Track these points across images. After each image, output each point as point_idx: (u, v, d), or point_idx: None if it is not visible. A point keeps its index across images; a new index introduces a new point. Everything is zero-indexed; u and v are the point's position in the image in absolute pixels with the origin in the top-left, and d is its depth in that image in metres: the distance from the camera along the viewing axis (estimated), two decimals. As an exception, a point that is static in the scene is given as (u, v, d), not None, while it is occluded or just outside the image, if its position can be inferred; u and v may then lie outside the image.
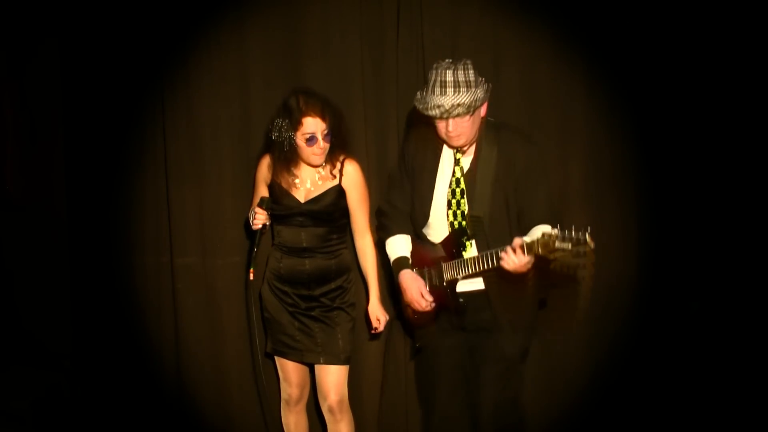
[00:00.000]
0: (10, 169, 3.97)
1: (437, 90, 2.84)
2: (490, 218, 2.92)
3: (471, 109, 2.83)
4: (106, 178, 3.80)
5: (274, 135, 3.20)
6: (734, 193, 3.61)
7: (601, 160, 3.65)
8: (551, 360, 3.65)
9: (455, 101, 2.81)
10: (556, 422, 3.65)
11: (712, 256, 3.65)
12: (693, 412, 3.63)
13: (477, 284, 3.01)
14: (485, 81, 2.91)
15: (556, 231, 2.59)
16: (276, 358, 3.43)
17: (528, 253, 2.69)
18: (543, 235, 2.61)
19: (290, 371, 3.40)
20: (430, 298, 3.05)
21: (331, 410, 3.32)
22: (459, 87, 2.82)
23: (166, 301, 3.81)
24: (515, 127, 3.11)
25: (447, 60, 2.90)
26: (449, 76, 2.83)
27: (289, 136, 3.17)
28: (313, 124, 3.16)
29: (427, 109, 2.87)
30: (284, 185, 3.29)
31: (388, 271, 3.31)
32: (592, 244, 2.52)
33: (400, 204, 3.18)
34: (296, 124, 3.15)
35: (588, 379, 3.67)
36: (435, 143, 3.04)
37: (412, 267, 3.13)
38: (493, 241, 2.89)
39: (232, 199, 3.73)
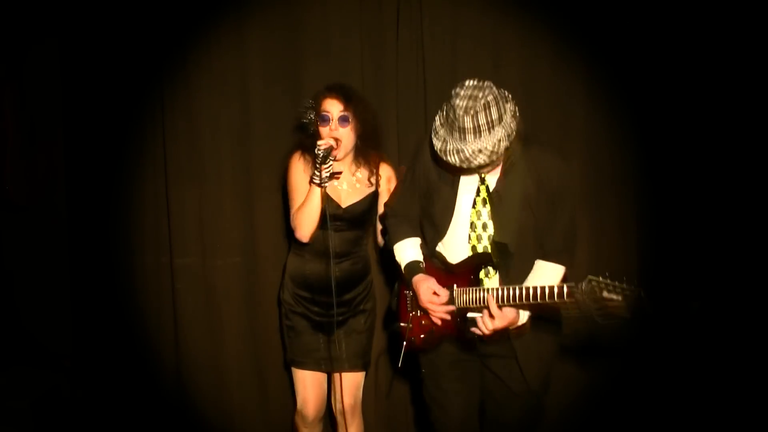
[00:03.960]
0: (10, 169, 3.97)
1: (456, 134, 2.56)
2: (517, 245, 2.67)
3: (495, 155, 2.55)
4: (106, 178, 3.80)
5: (303, 119, 3.13)
6: (734, 193, 3.61)
7: (601, 160, 3.65)
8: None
9: (476, 147, 2.53)
10: (556, 423, 3.64)
11: (712, 256, 3.65)
12: (693, 412, 3.63)
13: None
14: (507, 95, 2.63)
15: (602, 278, 2.32)
16: (295, 372, 3.27)
17: (568, 298, 2.43)
18: (590, 278, 2.34)
19: (309, 387, 3.23)
20: (445, 296, 2.75)
21: (343, 413, 3.25)
22: (480, 132, 2.52)
23: (165, 301, 3.81)
24: (544, 141, 2.88)
25: (465, 93, 2.56)
26: (468, 122, 2.52)
27: (311, 118, 3.10)
28: (329, 104, 3.07)
29: (446, 153, 2.58)
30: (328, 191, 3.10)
31: (391, 285, 3.18)
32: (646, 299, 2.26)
33: (404, 212, 2.96)
34: (317, 105, 3.09)
35: (587, 379, 3.67)
36: None
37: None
38: (517, 271, 2.68)
39: (231, 199, 3.73)
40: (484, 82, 2.58)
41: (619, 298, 2.26)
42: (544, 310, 2.65)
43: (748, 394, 3.58)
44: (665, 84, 3.59)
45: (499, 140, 2.53)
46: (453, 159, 2.56)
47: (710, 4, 3.52)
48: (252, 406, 3.80)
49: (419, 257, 2.90)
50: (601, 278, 2.31)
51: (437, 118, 2.67)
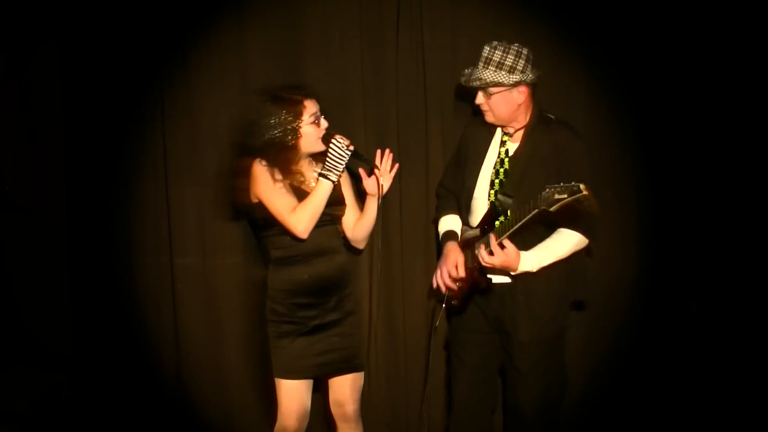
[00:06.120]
0: (10, 169, 3.97)
1: (478, 62, 2.99)
2: (522, 201, 2.91)
3: (482, 86, 2.96)
4: (106, 179, 3.80)
5: (277, 132, 3.03)
6: (734, 193, 3.61)
7: (601, 160, 3.64)
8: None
9: (476, 74, 2.97)
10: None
11: (711, 256, 3.65)
12: (693, 413, 3.63)
13: (503, 278, 3.07)
14: (534, 71, 2.97)
15: (555, 185, 2.71)
16: (283, 384, 3.14)
17: (535, 210, 2.76)
18: (546, 188, 2.72)
19: (296, 399, 3.13)
20: (462, 274, 3.09)
21: (347, 418, 3.22)
22: (487, 64, 2.95)
23: (166, 301, 3.81)
24: (567, 123, 3.14)
25: (506, 41, 2.99)
26: (486, 52, 2.96)
27: (294, 126, 3.04)
28: (313, 105, 3.08)
29: (462, 74, 3.05)
30: (302, 187, 3.13)
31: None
32: (586, 191, 2.64)
33: (451, 187, 3.29)
34: (300, 110, 3.04)
35: (587, 379, 3.66)
36: (489, 129, 3.15)
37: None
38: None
39: (232, 199, 3.73)
40: (523, 46, 2.99)
41: (565, 195, 2.67)
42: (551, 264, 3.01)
43: (747, 394, 3.58)
44: (666, 84, 3.59)
45: (499, 82, 2.93)
46: (462, 78, 3.05)
47: (711, 4, 3.52)
48: (252, 406, 3.79)
49: (457, 229, 3.24)
50: (555, 186, 2.71)
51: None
